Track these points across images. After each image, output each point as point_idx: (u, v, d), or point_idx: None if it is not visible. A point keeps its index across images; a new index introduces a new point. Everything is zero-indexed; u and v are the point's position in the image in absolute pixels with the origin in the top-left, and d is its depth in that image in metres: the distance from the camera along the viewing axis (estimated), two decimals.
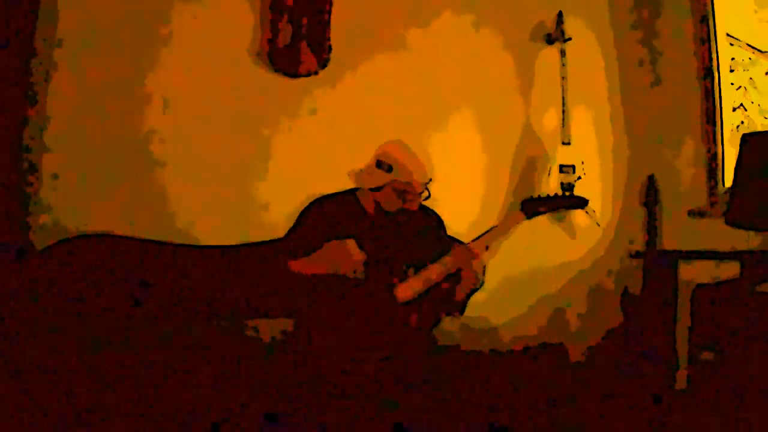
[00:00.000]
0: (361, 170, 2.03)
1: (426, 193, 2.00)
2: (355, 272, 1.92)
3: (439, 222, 2.16)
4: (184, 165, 2.61)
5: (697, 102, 3.04)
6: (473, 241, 1.99)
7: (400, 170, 1.95)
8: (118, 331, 2.19)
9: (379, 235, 2.03)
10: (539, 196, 2.09)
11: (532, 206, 2.06)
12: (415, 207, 2.01)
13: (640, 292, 3.07)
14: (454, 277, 1.99)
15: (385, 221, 2.04)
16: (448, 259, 1.97)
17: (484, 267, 1.97)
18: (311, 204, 2.07)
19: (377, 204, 2.01)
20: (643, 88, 3.30)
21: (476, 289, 2.00)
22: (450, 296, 2.01)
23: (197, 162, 2.63)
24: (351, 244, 1.91)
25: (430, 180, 2.00)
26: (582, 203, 2.12)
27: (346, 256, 1.91)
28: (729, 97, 3.00)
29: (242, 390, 1.97)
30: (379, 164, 1.98)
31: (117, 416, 1.89)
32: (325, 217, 2.03)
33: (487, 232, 2.01)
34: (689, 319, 2.55)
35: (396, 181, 1.96)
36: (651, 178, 3.18)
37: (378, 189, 1.99)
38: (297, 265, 1.97)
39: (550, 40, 3.12)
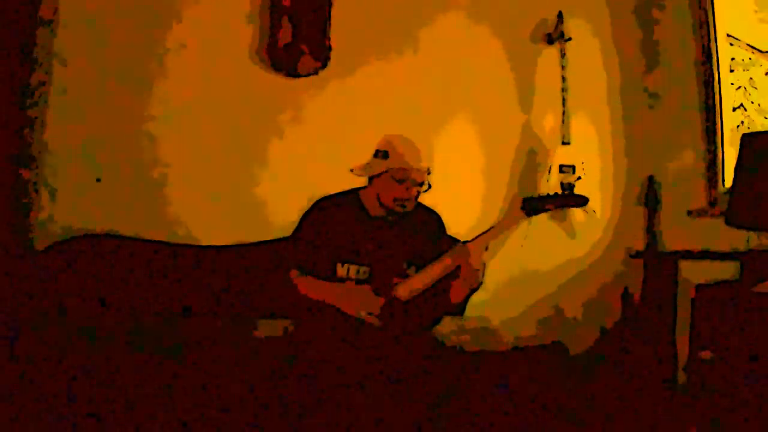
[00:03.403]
0: (360, 164, 2.04)
1: (426, 185, 2.01)
2: (364, 315, 1.94)
3: (440, 222, 2.15)
4: (185, 165, 2.61)
5: (697, 102, 3.04)
6: (472, 240, 1.98)
7: (396, 156, 1.96)
8: (119, 331, 2.19)
9: (380, 235, 2.03)
10: (539, 195, 2.08)
11: (532, 205, 2.06)
12: (413, 194, 2.00)
13: (640, 292, 3.07)
14: (453, 276, 1.98)
15: (386, 221, 2.04)
16: (447, 259, 1.97)
17: (484, 266, 1.97)
18: (313, 205, 2.07)
19: (377, 197, 2.01)
20: (643, 89, 3.30)
21: (476, 289, 2.00)
22: (449, 296, 2.01)
23: (197, 162, 2.63)
24: (372, 296, 1.94)
25: (429, 171, 2.00)
26: (582, 201, 2.11)
27: (363, 302, 1.93)
28: (729, 97, 3.00)
29: (242, 389, 1.97)
30: (376, 153, 2.00)
31: (117, 416, 1.89)
32: (327, 218, 2.03)
33: (486, 231, 2.01)
34: (689, 319, 2.55)
35: (393, 168, 1.96)
36: (651, 179, 3.18)
37: (375, 178, 2.00)
38: (303, 286, 1.98)
39: (550, 40, 3.12)
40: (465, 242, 1.99)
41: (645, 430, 2.42)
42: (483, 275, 1.97)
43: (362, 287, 1.96)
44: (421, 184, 2.00)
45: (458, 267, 1.96)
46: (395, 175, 1.97)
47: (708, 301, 2.45)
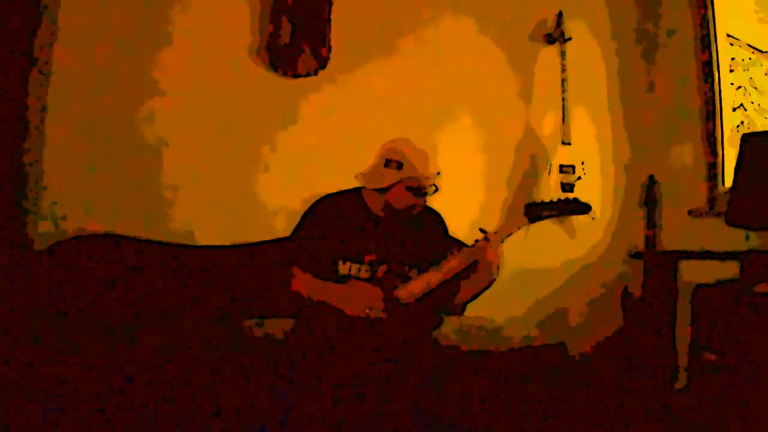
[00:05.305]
0: (368, 171, 2.02)
1: (434, 188, 2.01)
2: (368, 311, 1.93)
3: (442, 223, 2.15)
4: (185, 165, 2.61)
5: (697, 102, 3.04)
6: (474, 244, 1.99)
7: (410, 166, 1.95)
8: (118, 332, 2.19)
9: (382, 235, 2.03)
10: (542, 201, 2.07)
11: (536, 211, 2.05)
12: (425, 201, 2.01)
13: (640, 292, 3.07)
14: (456, 278, 1.99)
15: (389, 221, 2.03)
16: (449, 262, 1.97)
17: (498, 266, 1.97)
18: (315, 203, 2.06)
19: (386, 203, 2.01)
20: (643, 88, 3.30)
21: (486, 288, 2.00)
22: (453, 296, 2.02)
23: (197, 162, 2.63)
24: (374, 290, 1.93)
25: (439, 173, 2.00)
26: (586, 209, 2.10)
27: (364, 298, 1.92)
28: (729, 97, 3.00)
29: (242, 390, 1.97)
30: (387, 163, 1.98)
31: (117, 416, 1.89)
32: (329, 216, 2.02)
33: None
34: (689, 319, 2.55)
35: (407, 178, 1.96)
36: (651, 178, 3.18)
37: (388, 188, 1.98)
38: (302, 287, 1.97)
39: (550, 40, 3.12)
40: (468, 246, 1.99)
41: (645, 430, 2.41)
42: (497, 273, 1.98)
43: (360, 283, 1.96)
44: (430, 188, 2.00)
45: (471, 264, 1.97)
46: (409, 185, 1.97)
47: (708, 301, 2.45)
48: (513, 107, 3.11)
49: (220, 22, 2.68)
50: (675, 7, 3.19)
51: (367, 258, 2.00)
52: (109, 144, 2.53)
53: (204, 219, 2.61)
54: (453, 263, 1.97)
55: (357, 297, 1.93)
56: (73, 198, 2.47)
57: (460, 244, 2.07)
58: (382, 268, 2.00)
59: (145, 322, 2.31)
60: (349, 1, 2.81)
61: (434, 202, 2.10)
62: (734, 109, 3.01)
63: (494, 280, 2.00)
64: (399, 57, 2.92)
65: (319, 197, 2.07)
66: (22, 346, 2.01)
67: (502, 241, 2.01)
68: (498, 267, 1.97)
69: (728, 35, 3.01)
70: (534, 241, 2.40)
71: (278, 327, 2.17)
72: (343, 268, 1.99)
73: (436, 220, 2.14)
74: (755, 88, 2.98)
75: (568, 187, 2.99)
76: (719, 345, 2.32)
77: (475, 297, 2.05)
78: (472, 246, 1.99)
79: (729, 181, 2.71)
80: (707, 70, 3.00)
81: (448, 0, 3.02)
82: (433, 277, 1.98)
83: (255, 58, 2.73)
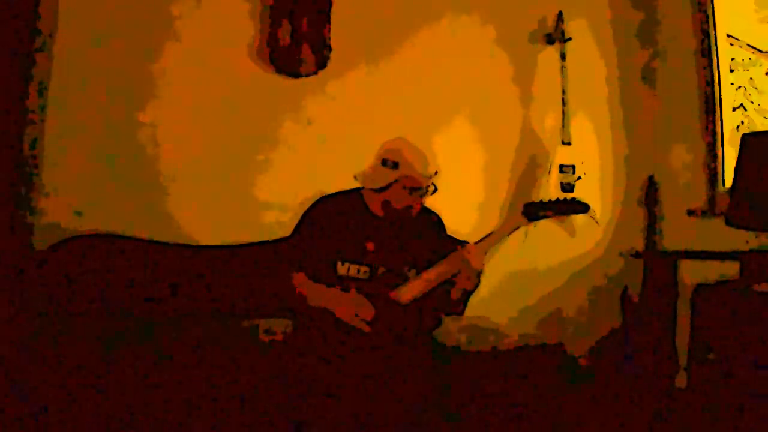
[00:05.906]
0: (366, 171, 2.02)
1: (432, 187, 2.00)
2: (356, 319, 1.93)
3: (440, 223, 2.15)
4: (185, 165, 2.61)
5: (697, 102, 3.04)
6: (475, 243, 1.98)
7: (407, 166, 1.95)
8: (119, 332, 2.19)
9: (381, 235, 2.03)
10: (541, 200, 2.07)
11: (535, 210, 2.05)
12: (422, 202, 2.01)
13: (640, 292, 3.07)
14: (454, 278, 1.98)
15: (388, 221, 2.03)
16: (447, 263, 1.97)
17: (481, 270, 1.96)
18: (315, 203, 2.06)
19: (385, 204, 2.00)
20: (643, 88, 3.30)
21: (472, 292, 1.99)
22: (448, 297, 2.01)
23: (197, 162, 2.63)
24: (366, 305, 1.93)
25: (437, 173, 2.00)
26: (585, 208, 2.10)
27: (356, 308, 1.92)
28: (729, 97, 3.00)
29: (242, 389, 1.97)
30: (384, 162, 1.98)
31: (116, 416, 1.89)
32: (329, 216, 2.02)
33: (488, 235, 2.01)
34: (689, 319, 2.55)
35: (404, 177, 1.96)
36: (651, 178, 3.18)
37: (386, 188, 1.98)
38: (300, 288, 1.97)
39: (550, 40, 3.12)
40: (465, 243, 1.99)
41: (645, 430, 2.42)
42: (479, 278, 1.97)
43: (359, 295, 1.95)
44: (428, 188, 2.00)
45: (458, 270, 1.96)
46: (406, 184, 1.97)
47: (708, 301, 2.45)
48: (513, 107, 3.11)
49: (220, 22, 2.68)
50: (675, 7, 3.19)
51: (366, 259, 2.00)
52: (108, 144, 2.53)
53: (204, 219, 2.61)
54: (441, 268, 1.97)
55: (349, 304, 1.93)
56: (72, 198, 2.47)
57: (459, 244, 2.06)
58: (381, 269, 2.00)
59: (144, 322, 2.31)
60: (349, 1, 2.81)
61: (434, 202, 2.10)
62: (734, 109, 3.01)
63: (476, 286, 1.99)
64: (399, 57, 2.92)
65: (318, 197, 2.07)
66: (22, 346, 2.01)
67: (506, 237, 2.01)
68: (480, 273, 1.96)
69: (728, 35, 3.01)
70: (534, 241, 2.41)
71: (278, 327, 2.18)
72: (342, 269, 1.99)
73: (433, 220, 2.14)
74: (755, 88, 2.98)
75: (568, 187, 2.99)
76: (719, 345, 2.33)
77: (460, 300, 2.04)
78: (458, 250, 1.98)
79: (729, 181, 2.71)
80: (707, 70, 3.01)
81: (448, 0, 3.02)
82: (431, 278, 1.97)
83: (255, 58, 2.73)
